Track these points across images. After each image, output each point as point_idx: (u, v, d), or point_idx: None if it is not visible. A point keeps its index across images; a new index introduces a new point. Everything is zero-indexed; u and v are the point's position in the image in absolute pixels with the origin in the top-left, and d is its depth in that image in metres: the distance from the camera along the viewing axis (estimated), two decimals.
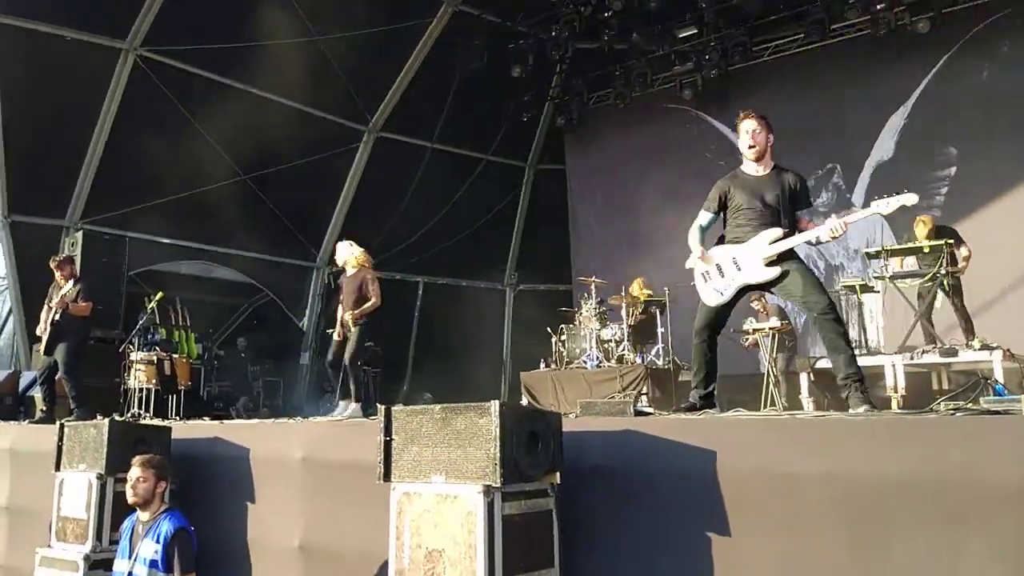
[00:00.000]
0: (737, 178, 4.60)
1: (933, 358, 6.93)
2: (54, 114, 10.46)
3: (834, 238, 4.34)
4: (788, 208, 4.43)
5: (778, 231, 4.36)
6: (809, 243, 4.53)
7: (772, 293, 4.63)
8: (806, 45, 12.19)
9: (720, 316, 4.61)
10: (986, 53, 11.00)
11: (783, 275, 4.33)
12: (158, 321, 10.22)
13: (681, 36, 12.87)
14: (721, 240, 4.65)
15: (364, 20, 11.85)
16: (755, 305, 8.71)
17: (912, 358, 6.97)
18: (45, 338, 7.69)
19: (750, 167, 4.58)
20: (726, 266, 4.50)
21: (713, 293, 4.54)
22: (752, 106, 4.84)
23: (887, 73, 11.74)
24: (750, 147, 4.49)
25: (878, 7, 11.21)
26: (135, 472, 4.42)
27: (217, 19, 10.97)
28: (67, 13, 10.09)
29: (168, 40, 10.92)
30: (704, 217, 4.70)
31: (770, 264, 4.35)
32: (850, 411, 3.99)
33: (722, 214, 4.64)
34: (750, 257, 4.41)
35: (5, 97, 10.00)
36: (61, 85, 10.43)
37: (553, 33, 13.02)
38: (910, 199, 4.19)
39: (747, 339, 8.45)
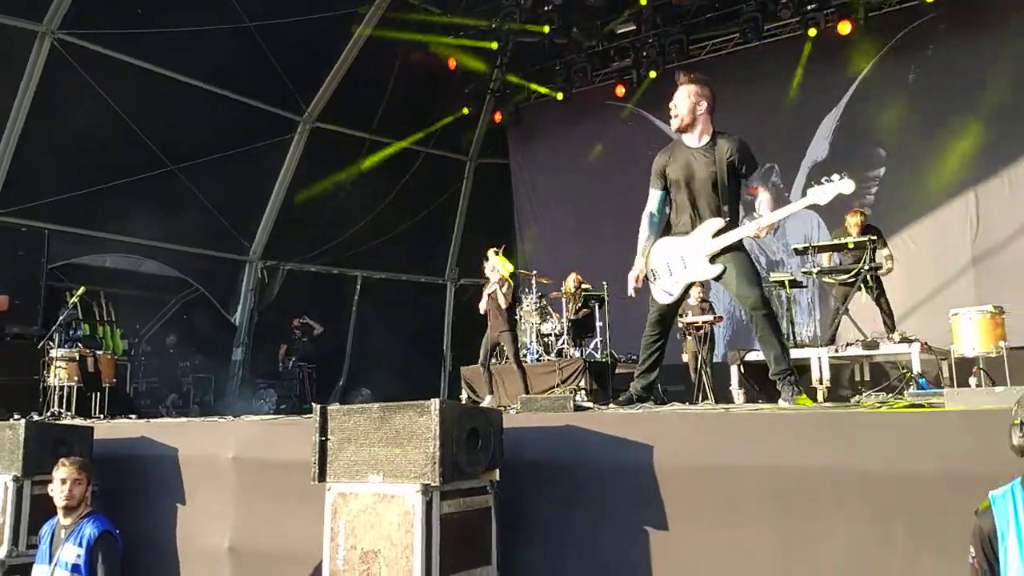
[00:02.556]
0: (674, 150, 4.46)
1: (856, 351, 7.14)
2: None
3: (759, 236, 4.33)
4: (728, 186, 4.29)
5: (719, 222, 4.26)
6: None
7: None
8: (741, 44, 12.43)
9: (671, 312, 4.61)
10: (913, 56, 11.36)
11: (724, 266, 4.29)
12: (81, 316, 9.83)
13: (619, 32, 12.97)
14: (668, 225, 4.60)
15: (301, 6, 11.58)
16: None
17: (837, 351, 7.18)
18: None
19: (687, 137, 4.43)
20: (674, 263, 4.44)
21: (662, 293, 4.51)
22: None
23: (820, 75, 12.06)
24: (672, 117, 4.38)
25: (809, 7, 11.49)
26: (69, 473, 4.25)
27: (142, 2, 10.55)
28: None
29: (88, 23, 10.41)
30: (653, 197, 4.57)
31: (713, 259, 4.30)
32: (780, 403, 4.07)
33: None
34: (694, 253, 4.35)
35: None
36: None
37: (493, 25, 12.97)
38: (846, 187, 4.10)
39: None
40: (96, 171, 10.73)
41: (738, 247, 4.32)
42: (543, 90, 14.22)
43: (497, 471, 3.38)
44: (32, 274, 9.64)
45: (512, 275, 8.71)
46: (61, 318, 8.87)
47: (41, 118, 10.46)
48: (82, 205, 10.74)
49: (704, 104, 4.35)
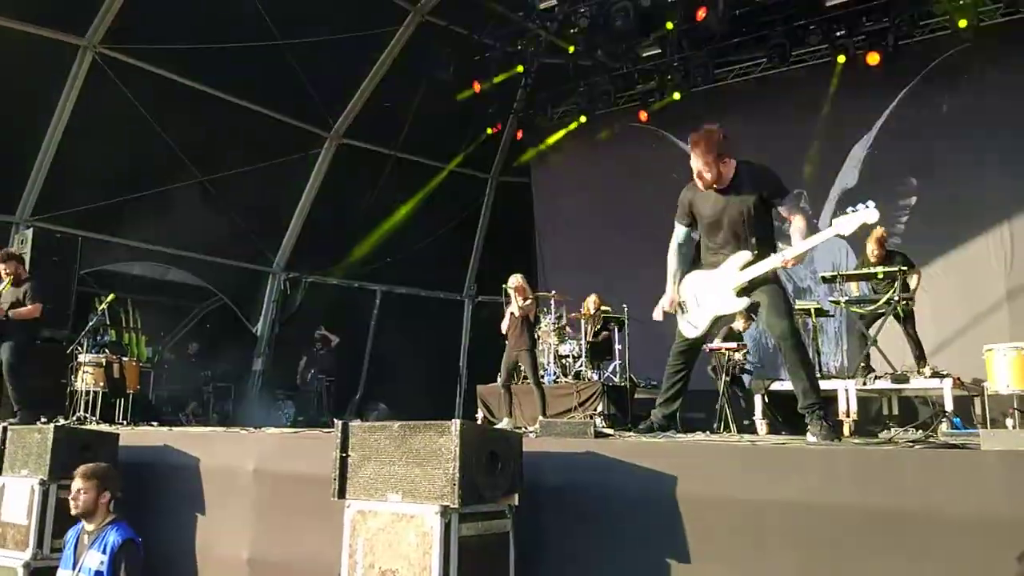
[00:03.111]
0: (700, 188, 4.42)
1: (884, 384, 7.02)
2: (7, 109, 10.13)
3: (786, 266, 4.29)
4: (755, 217, 4.24)
5: (747, 255, 4.23)
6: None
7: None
8: (768, 70, 12.38)
9: (697, 344, 4.58)
10: (946, 86, 11.23)
11: (755, 298, 4.25)
12: (108, 323, 9.96)
13: (645, 55, 13.00)
14: (697, 256, 4.59)
15: (331, 26, 11.74)
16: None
17: (864, 383, 7.06)
18: None
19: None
20: (701, 296, 4.43)
21: (688, 327, 4.50)
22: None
23: (850, 102, 11.96)
24: (698, 177, 4.31)
25: (838, 34, 11.45)
26: (76, 483, 4.31)
27: (180, 18, 10.76)
28: (24, 7, 9.83)
29: (128, 38, 10.67)
30: (679, 231, 4.59)
31: (741, 292, 4.28)
32: (808, 438, 4.02)
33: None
34: (721, 287, 4.33)
35: None
36: (16, 80, 10.11)
37: (519, 47, 13.05)
38: (871, 216, 4.06)
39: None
40: (129, 181, 10.93)
41: (771, 279, 4.27)
42: (567, 111, 14.29)
43: (516, 495, 3.37)
44: (65, 279, 9.77)
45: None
46: (90, 324, 9.00)
47: (79, 128, 10.71)
48: (114, 213, 10.97)
49: (718, 151, 4.24)
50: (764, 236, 4.31)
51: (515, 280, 8.44)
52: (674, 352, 4.59)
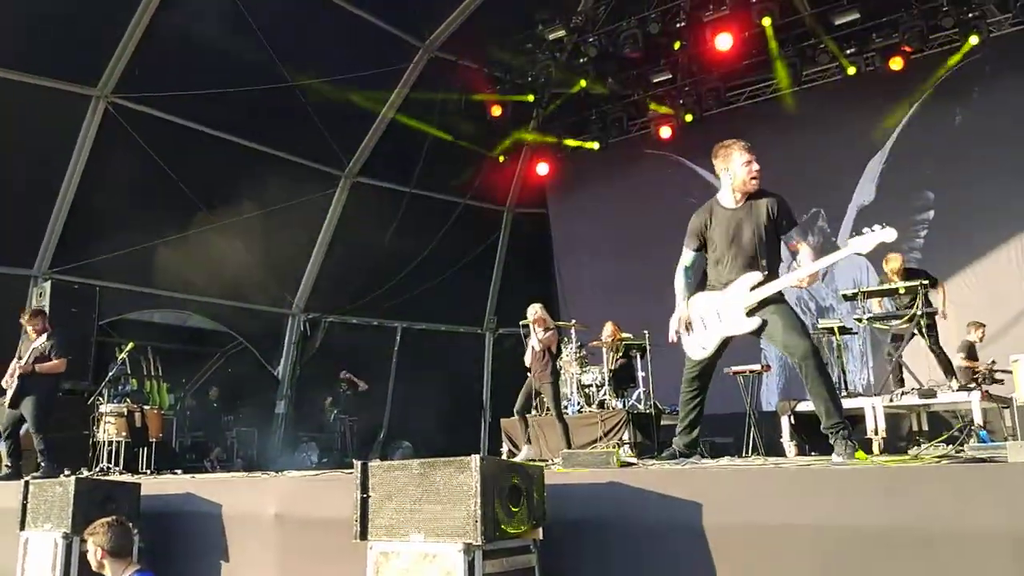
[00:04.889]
0: (713, 211, 4.43)
1: (912, 400, 6.90)
2: (22, 162, 10.28)
3: (801, 286, 4.26)
4: (766, 242, 4.26)
5: (757, 276, 4.23)
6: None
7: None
8: (781, 91, 12.40)
9: (708, 368, 4.53)
10: (958, 98, 11.24)
11: (765, 320, 4.22)
12: (129, 371, 10.00)
13: (656, 81, 13.06)
14: (703, 280, 4.58)
15: (341, 66, 11.89)
16: None
17: (891, 400, 6.95)
18: (11, 391, 7.49)
19: (727, 199, 4.39)
20: (708, 318, 4.40)
21: (696, 348, 4.46)
22: None
23: (863, 119, 11.97)
24: (753, 179, 4.28)
25: (848, 52, 11.47)
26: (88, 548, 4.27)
27: (190, 65, 10.94)
28: (36, 60, 9.99)
29: (140, 87, 10.83)
30: (687, 256, 4.58)
31: (751, 312, 4.25)
32: (833, 458, 3.94)
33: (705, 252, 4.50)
34: (731, 307, 4.30)
35: None
36: (29, 132, 10.28)
37: (529, 79, 13.16)
38: (888, 235, 4.04)
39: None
40: (145, 228, 11.01)
41: (778, 298, 4.26)
42: (575, 143, 14.32)
43: (540, 530, 3.30)
44: (84, 330, 9.86)
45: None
46: (111, 373, 9.04)
47: (94, 178, 10.84)
48: (132, 262, 11.02)
49: None
50: (773, 259, 4.33)
51: (534, 311, 8.38)
52: (686, 379, 4.55)
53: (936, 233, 11.18)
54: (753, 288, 4.24)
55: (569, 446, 7.86)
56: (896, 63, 11.13)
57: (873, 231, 4.08)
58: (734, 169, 4.31)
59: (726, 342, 4.44)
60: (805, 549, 2.87)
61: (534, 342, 8.28)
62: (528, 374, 8.44)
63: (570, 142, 14.39)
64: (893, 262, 8.14)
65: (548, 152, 14.87)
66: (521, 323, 8.72)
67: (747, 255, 4.27)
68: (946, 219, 11.16)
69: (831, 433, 4.01)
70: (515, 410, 8.36)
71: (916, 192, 11.47)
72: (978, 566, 2.55)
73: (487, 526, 3.04)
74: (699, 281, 4.63)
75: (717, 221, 4.38)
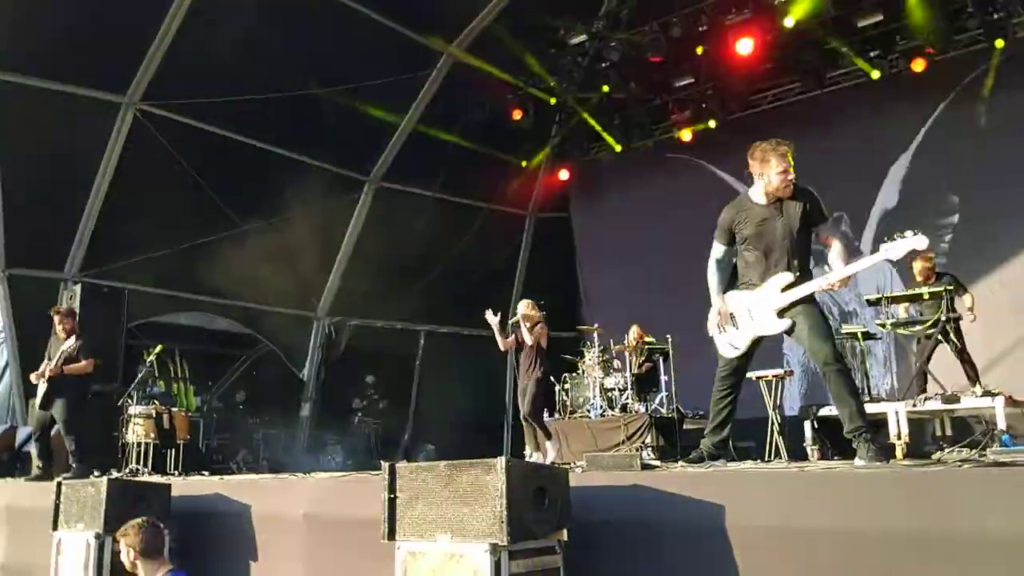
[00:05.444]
0: (743, 207, 4.46)
1: (935, 405, 6.85)
2: (53, 168, 10.48)
3: (832, 289, 4.28)
4: (797, 241, 4.28)
5: (788, 277, 4.26)
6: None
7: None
8: (803, 94, 12.35)
9: (741, 367, 4.55)
10: (983, 100, 11.09)
11: (794, 321, 4.24)
12: (157, 374, 10.16)
13: (678, 85, 13.04)
14: (733, 278, 4.60)
15: (365, 71, 12.00)
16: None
17: (915, 405, 6.91)
18: (41, 392, 7.63)
19: (757, 194, 4.42)
20: (740, 317, 4.43)
21: (728, 347, 4.49)
22: None
23: (886, 122, 11.86)
24: (786, 187, 4.30)
25: (872, 54, 11.39)
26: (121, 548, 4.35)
27: (216, 71, 11.06)
28: (65, 68, 10.17)
29: (167, 94, 10.99)
30: (718, 250, 4.61)
31: (782, 314, 4.28)
32: (856, 462, 3.95)
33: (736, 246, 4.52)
34: (762, 307, 4.33)
35: (3, 151, 10.05)
36: (60, 139, 10.47)
37: (552, 83, 13.20)
38: (920, 243, 4.06)
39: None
40: (173, 232, 11.17)
41: (808, 300, 4.27)
42: (603, 144, 14.32)
43: (565, 531, 3.35)
44: (113, 333, 10.01)
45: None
46: (139, 376, 9.19)
47: (122, 183, 11.01)
48: (160, 265, 11.18)
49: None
50: (804, 258, 4.34)
51: (522, 307, 8.29)
52: (719, 377, 4.57)
53: (961, 238, 11.06)
54: (784, 289, 4.27)
55: (538, 448, 7.83)
56: (918, 65, 11.02)
57: (905, 237, 4.10)
58: (769, 175, 4.34)
59: (758, 342, 4.46)
60: (828, 552, 2.89)
61: (525, 337, 8.14)
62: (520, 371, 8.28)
63: (599, 128, 14.30)
64: (923, 260, 8.08)
65: (571, 156, 14.89)
66: (511, 320, 8.56)
67: (778, 254, 4.30)
68: (971, 223, 11.02)
69: (854, 437, 4.02)
70: (522, 416, 8.20)
71: (940, 196, 11.34)
72: (1001, 570, 2.55)
73: (513, 527, 3.10)
74: (729, 278, 4.65)
75: (748, 217, 4.41)
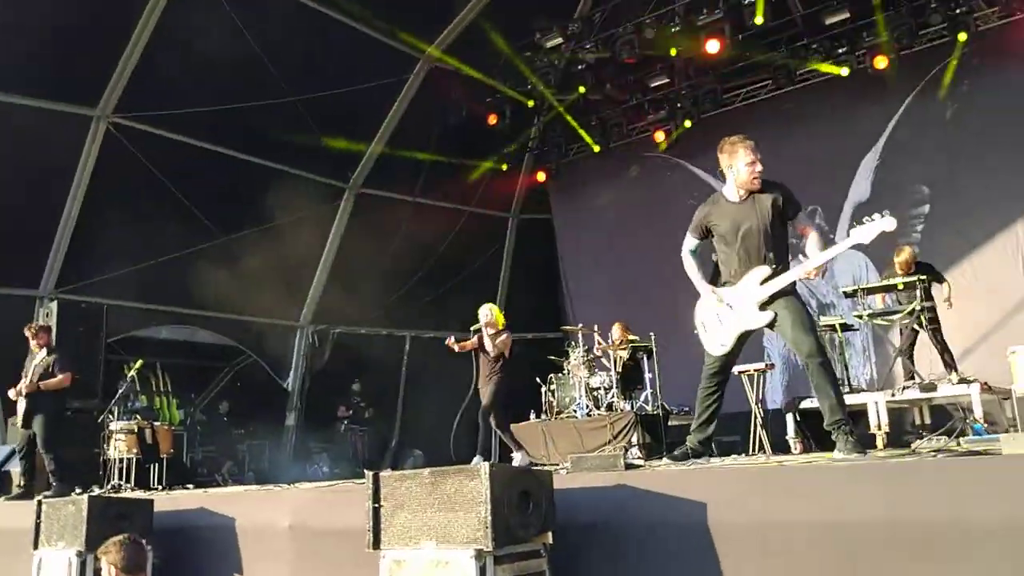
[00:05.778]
0: (717, 204, 4.53)
1: (914, 394, 6.94)
2: (25, 183, 10.35)
3: (809, 277, 4.32)
4: (772, 235, 4.33)
5: (766, 270, 4.30)
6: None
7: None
8: (775, 91, 12.49)
9: (727, 364, 4.59)
10: (949, 92, 11.27)
11: (775, 313, 4.28)
12: (138, 388, 10.07)
13: (653, 86, 13.12)
14: (716, 274, 4.63)
15: (342, 78, 11.97)
16: None
17: (893, 395, 6.98)
18: (21, 411, 7.57)
19: (731, 193, 4.47)
20: (723, 313, 4.47)
21: (715, 345, 4.53)
22: None
23: (855, 115, 12.01)
24: (755, 179, 4.35)
25: (839, 51, 11.53)
26: (101, 563, 4.30)
27: (190, 82, 11.01)
28: (36, 83, 10.07)
29: (140, 105, 10.89)
30: (690, 242, 4.67)
31: (763, 307, 4.32)
32: (835, 454, 3.99)
33: (710, 239, 4.58)
34: (743, 302, 4.38)
35: None
36: (32, 154, 10.34)
37: (529, 86, 13.23)
38: (888, 224, 4.15)
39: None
40: (151, 245, 11.06)
41: (789, 291, 4.32)
42: (581, 146, 14.34)
43: (550, 534, 3.36)
44: (92, 349, 9.92)
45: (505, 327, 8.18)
46: (120, 391, 9.10)
47: (97, 197, 10.90)
48: (138, 279, 11.07)
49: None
50: (780, 251, 4.38)
51: (485, 314, 7.89)
52: (705, 375, 4.61)
53: (932, 227, 11.21)
54: (763, 282, 4.31)
55: (500, 459, 7.64)
56: (881, 61, 11.16)
57: (873, 220, 4.15)
58: (737, 167, 4.40)
59: (743, 337, 4.49)
60: (808, 545, 2.92)
61: (487, 346, 7.78)
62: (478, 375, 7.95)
63: (579, 130, 14.30)
64: (904, 254, 8.19)
65: (550, 158, 14.93)
66: (472, 328, 8.16)
67: (754, 249, 4.35)
68: (942, 213, 11.18)
69: (833, 429, 4.07)
70: (495, 425, 7.93)
71: (911, 187, 11.50)
72: (976, 558, 2.59)
73: (498, 532, 3.11)
74: (710, 275, 4.69)
75: (722, 214, 4.47)
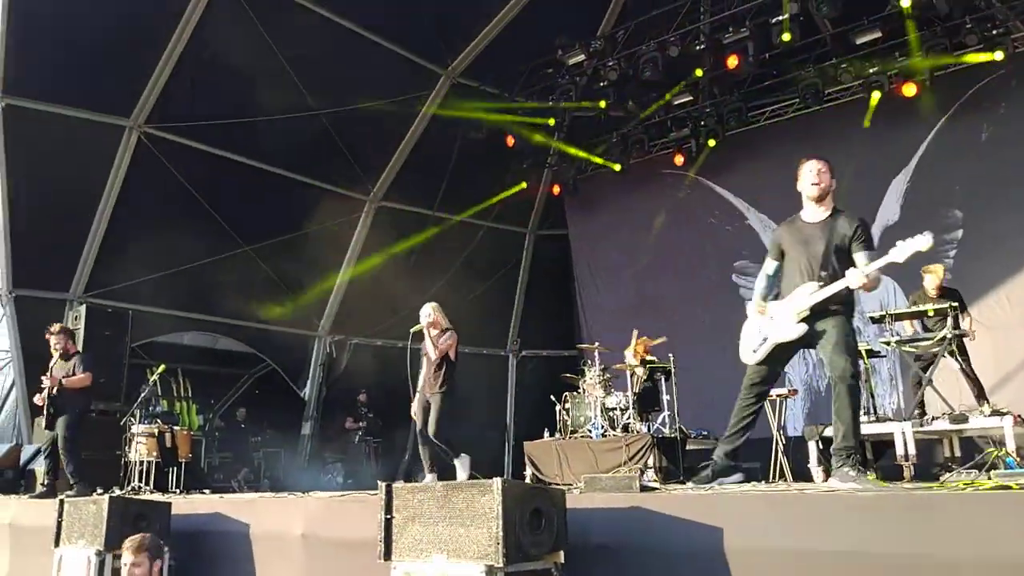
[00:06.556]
0: (792, 224, 4.57)
1: (943, 425, 6.75)
2: (59, 190, 10.61)
3: (863, 287, 4.24)
4: (836, 258, 4.30)
5: (813, 285, 4.28)
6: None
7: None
8: (802, 110, 12.28)
9: (765, 377, 4.53)
10: (984, 114, 10.99)
11: (820, 331, 4.24)
12: (160, 393, 10.17)
13: (676, 103, 13.07)
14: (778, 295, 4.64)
15: (365, 92, 12.09)
16: None
17: (922, 425, 6.81)
18: (45, 413, 7.66)
19: (808, 213, 4.51)
20: (764, 324, 4.47)
21: (747, 352, 4.52)
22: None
23: (886, 137, 11.72)
24: (813, 184, 4.39)
25: (871, 71, 11.36)
26: (127, 558, 4.34)
27: (220, 94, 11.21)
28: (71, 92, 10.32)
29: (171, 116, 11.13)
30: (769, 265, 4.67)
31: (801, 320, 4.28)
32: (829, 482, 3.94)
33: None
34: (784, 313, 4.37)
35: (10, 174, 10.16)
36: (66, 162, 10.60)
37: (550, 102, 13.25)
38: (923, 242, 4.12)
39: None
40: (176, 253, 11.22)
41: (841, 312, 4.29)
42: (599, 160, 14.30)
43: (562, 553, 3.33)
44: (116, 353, 10.04)
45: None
46: (142, 395, 9.20)
47: (127, 205, 11.13)
48: (163, 286, 11.24)
49: (835, 183, 4.48)
50: (835, 276, 4.30)
51: (428, 312, 7.22)
52: (746, 384, 4.58)
53: (965, 253, 10.89)
54: (809, 295, 4.30)
55: (432, 470, 7.02)
56: (909, 89, 10.93)
57: (909, 241, 4.14)
58: (801, 183, 4.50)
59: (779, 351, 4.44)
60: (826, 575, 2.87)
61: (429, 350, 7.09)
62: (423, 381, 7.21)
63: (595, 159, 14.27)
64: (933, 275, 8.02)
65: (569, 174, 14.90)
66: (411, 329, 7.40)
67: (811, 267, 4.35)
68: (975, 238, 10.86)
69: (837, 454, 4.02)
70: (419, 432, 7.23)
71: (943, 211, 11.18)
72: None
73: (509, 549, 3.08)
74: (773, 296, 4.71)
75: (794, 233, 4.52)
